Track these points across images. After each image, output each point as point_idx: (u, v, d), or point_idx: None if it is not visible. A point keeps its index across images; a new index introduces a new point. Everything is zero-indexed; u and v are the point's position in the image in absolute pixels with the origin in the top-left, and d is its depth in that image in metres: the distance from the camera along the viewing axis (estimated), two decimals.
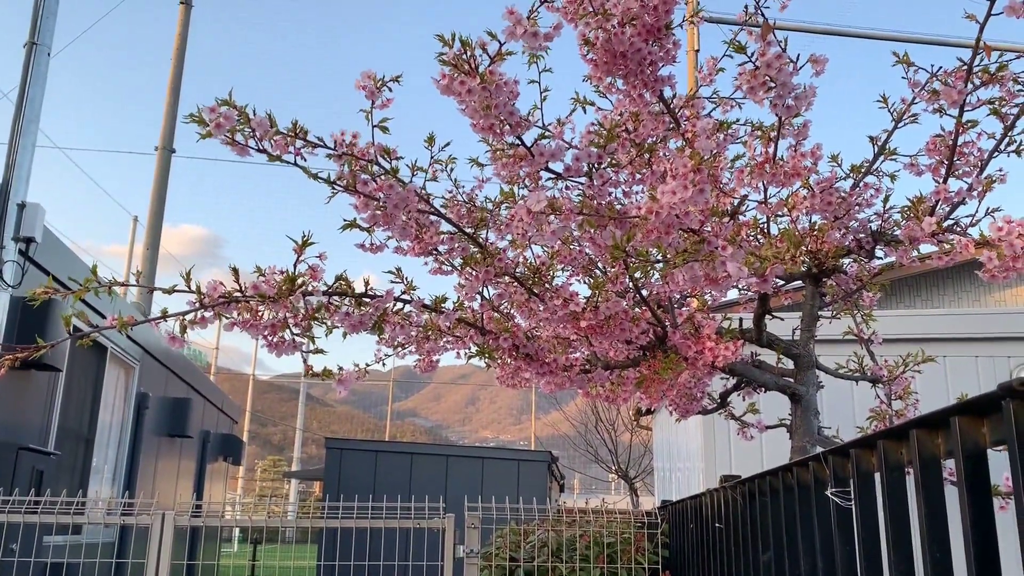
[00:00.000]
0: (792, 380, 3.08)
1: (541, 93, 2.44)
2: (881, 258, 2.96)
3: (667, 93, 2.49)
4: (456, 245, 2.65)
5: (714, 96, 2.80)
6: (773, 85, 2.11)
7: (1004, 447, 1.10)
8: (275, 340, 2.19)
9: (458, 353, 2.94)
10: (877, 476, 1.57)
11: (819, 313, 3.20)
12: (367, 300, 2.36)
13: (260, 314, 2.18)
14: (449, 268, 2.92)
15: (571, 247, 2.90)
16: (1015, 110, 2.72)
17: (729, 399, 3.69)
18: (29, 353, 2.06)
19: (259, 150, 2.19)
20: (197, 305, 2.16)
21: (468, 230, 2.68)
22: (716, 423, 5.35)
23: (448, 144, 2.70)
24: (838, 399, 4.98)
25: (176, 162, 14.49)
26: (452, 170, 2.72)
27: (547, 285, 2.67)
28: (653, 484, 11.82)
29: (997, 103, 2.72)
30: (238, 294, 2.15)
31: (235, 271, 2.17)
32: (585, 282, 2.82)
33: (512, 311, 2.95)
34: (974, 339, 5.44)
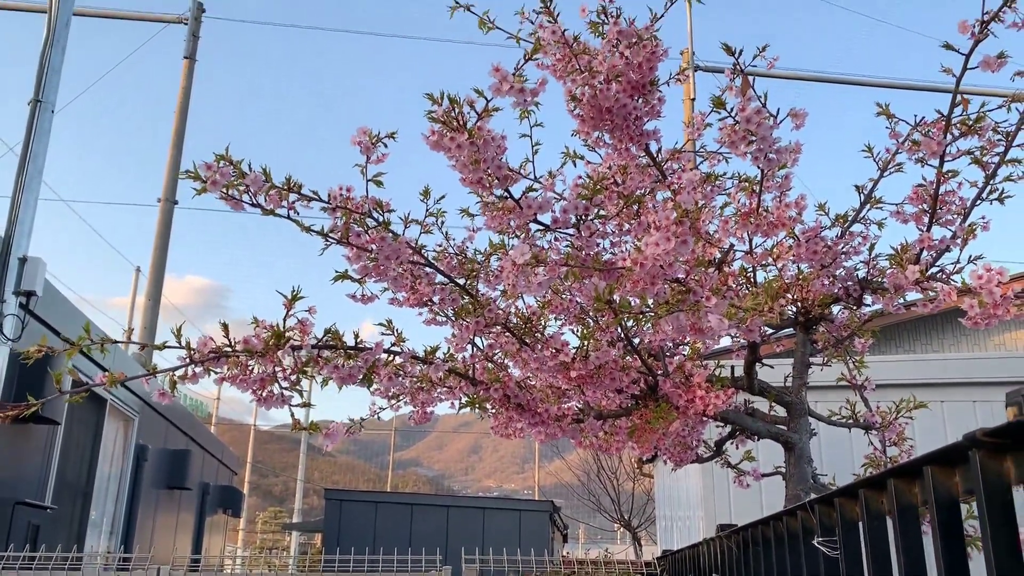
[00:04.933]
0: (785, 428, 3.09)
1: (532, 147, 2.49)
2: (869, 305, 2.99)
3: (653, 147, 2.55)
4: (447, 296, 2.69)
5: (701, 150, 2.87)
6: (754, 139, 2.17)
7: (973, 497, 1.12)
8: (264, 394, 2.22)
9: (452, 403, 2.96)
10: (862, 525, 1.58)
11: (811, 360, 3.21)
12: (357, 352, 2.39)
13: (250, 369, 2.21)
14: (443, 319, 2.95)
15: (563, 297, 2.93)
16: (996, 159, 2.78)
17: (724, 447, 3.69)
18: (20, 411, 2.09)
19: (253, 204, 2.24)
20: (187, 361, 2.19)
21: (459, 281, 2.72)
22: (715, 470, 5.33)
23: (443, 197, 2.76)
24: (836, 446, 4.97)
25: (181, 213, 14.65)
26: (443, 223, 2.78)
27: (538, 334, 2.70)
28: (656, 533, 11.68)
29: (978, 152, 2.78)
30: (228, 349, 2.18)
31: (225, 327, 2.21)
32: (575, 332, 2.85)
33: (506, 361, 2.97)
34: (971, 384, 5.44)
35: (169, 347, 2.18)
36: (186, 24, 14.54)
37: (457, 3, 2.29)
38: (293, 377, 2.25)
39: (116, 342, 2.22)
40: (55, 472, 6.23)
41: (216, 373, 2.19)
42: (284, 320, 2.21)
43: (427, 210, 2.72)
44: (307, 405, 2.32)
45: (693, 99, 13.95)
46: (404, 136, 2.39)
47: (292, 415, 2.29)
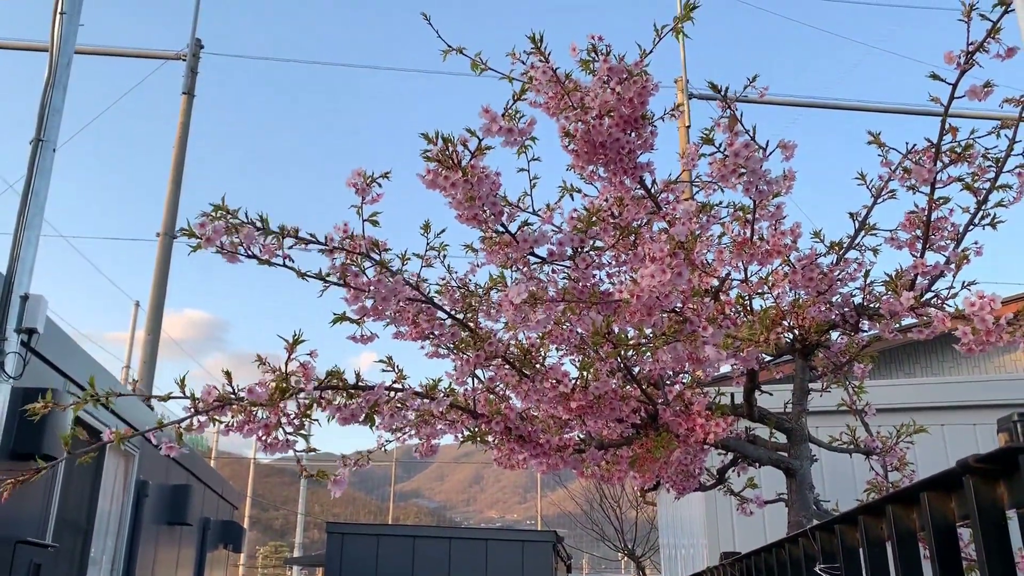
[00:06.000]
0: (786, 454, 3.10)
1: (530, 180, 2.53)
2: (866, 331, 3.01)
3: (647, 178, 2.58)
4: (447, 330, 2.71)
5: (696, 180, 2.91)
6: (744, 171, 2.20)
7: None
8: (269, 440, 2.23)
9: (455, 437, 2.97)
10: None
11: (810, 386, 3.23)
12: (359, 391, 2.40)
13: (254, 414, 2.22)
14: (445, 352, 2.97)
15: (563, 327, 2.96)
16: (987, 185, 2.81)
17: (727, 475, 3.69)
18: (29, 476, 2.10)
19: (249, 256, 2.26)
20: (192, 411, 2.21)
21: (460, 315, 2.75)
22: (718, 497, 5.32)
23: (444, 231, 2.79)
24: (839, 471, 4.97)
25: (180, 247, 14.64)
26: (445, 257, 2.80)
27: (538, 366, 2.72)
28: (660, 562, 11.60)
29: (969, 178, 2.82)
30: (231, 396, 2.20)
31: (228, 375, 2.22)
32: (575, 363, 2.87)
33: (508, 392, 2.99)
34: (972, 407, 5.45)
35: (173, 397, 2.20)
36: (184, 60, 14.68)
37: (449, 47, 2.34)
38: (297, 421, 2.27)
39: (121, 395, 2.24)
40: (56, 510, 6.21)
41: (219, 422, 2.21)
42: (286, 364, 2.22)
43: (428, 244, 2.75)
44: (311, 450, 2.34)
45: (688, 127, 14.07)
46: (406, 166, 2.43)
47: (298, 461, 2.30)
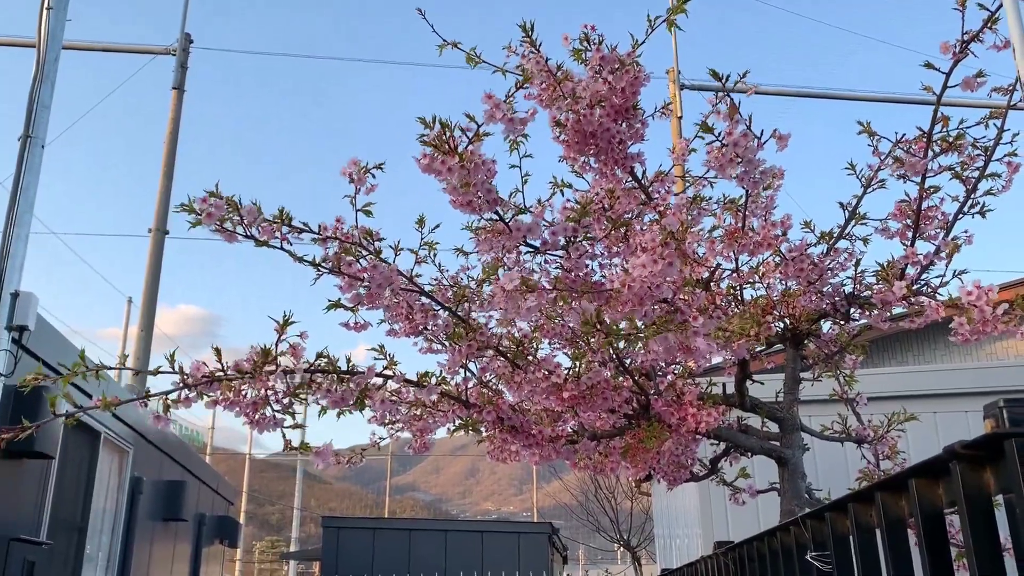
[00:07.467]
0: (778, 444, 3.11)
1: (522, 176, 2.53)
2: (857, 320, 3.02)
3: (638, 169, 2.59)
4: (440, 322, 2.71)
5: (688, 174, 2.91)
6: (740, 161, 2.21)
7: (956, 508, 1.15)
8: (257, 417, 2.24)
9: (447, 428, 2.97)
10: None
11: (801, 375, 3.24)
12: (349, 376, 2.41)
13: (243, 392, 2.24)
14: (439, 347, 2.97)
15: (555, 321, 2.96)
16: (976, 173, 2.82)
17: (719, 465, 3.70)
18: (15, 434, 2.10)
19: (247, 236, 2.27)
20: (181, 385, 2.22)
21: (451, 307, 2.75)
22: (711, 487, 5.34)
23: (438, 226, 2.79)
24: (831, 460, 4.99)
25: (173, 243, 14.64)
26: (436, 255, 2.81)
27: (530, 357, 2.72)
28: (655, 552, 11.64)
29: (958, 167, 2.83)
30: (220, 373, 2.22)
31: (217, 351, 2.24)
32: (567, 354, 2.87)
33: (500, 386, 2.99)
34: (963, 394, 5.47)
35: (163, 372, 2.22)
36: (174, 55, 14.60)
37: (445, 41, 2.34)
38: (286, 400, 2.28)
39: (111, 368, 2.25)
40: (50, 507, 6.20)
41: (208, 397, 2.23)
42: (276, 344, 2.24)
43: (422, 239, 2.75)
44: (299, 427, 2.35)
45: (680, 117, 14.07)
46: (398, 161, 2.42)
47: (284, 436, 2.31)
